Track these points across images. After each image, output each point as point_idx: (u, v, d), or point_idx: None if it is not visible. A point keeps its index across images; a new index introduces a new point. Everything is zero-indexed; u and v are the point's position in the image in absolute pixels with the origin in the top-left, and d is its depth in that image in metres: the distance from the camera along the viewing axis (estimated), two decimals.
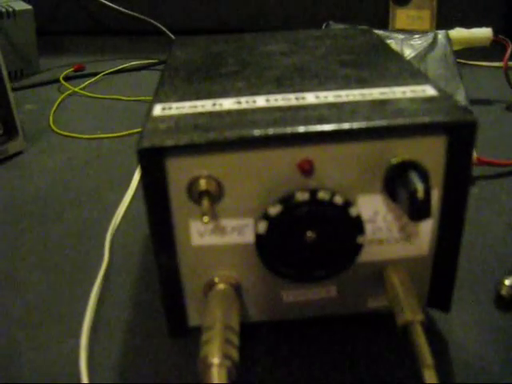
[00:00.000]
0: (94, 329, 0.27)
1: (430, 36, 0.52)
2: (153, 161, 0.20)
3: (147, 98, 0.59)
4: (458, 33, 0.53)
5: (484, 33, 0.53)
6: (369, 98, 0.23)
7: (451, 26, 0.54)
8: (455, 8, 0.78)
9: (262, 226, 0.22)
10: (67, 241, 0.35)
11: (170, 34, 0.76)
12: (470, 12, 0.78)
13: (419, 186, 0.20)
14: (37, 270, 0.32)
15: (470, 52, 0.58)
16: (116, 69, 0.69)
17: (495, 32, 0.53)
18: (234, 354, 0.20)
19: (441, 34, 0.52)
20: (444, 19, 0.74)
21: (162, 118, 0.22)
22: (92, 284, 0.30)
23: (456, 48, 0.52)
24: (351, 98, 0.23)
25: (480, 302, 0.28)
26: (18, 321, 0.28)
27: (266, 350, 0.26)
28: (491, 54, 0.61)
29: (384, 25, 0.77)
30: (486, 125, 0.50)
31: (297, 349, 0.26)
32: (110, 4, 0.81)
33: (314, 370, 0.25)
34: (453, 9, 0.77)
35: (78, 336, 0.26)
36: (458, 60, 0.51)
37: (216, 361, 0.19)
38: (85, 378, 0.24)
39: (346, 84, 0.25)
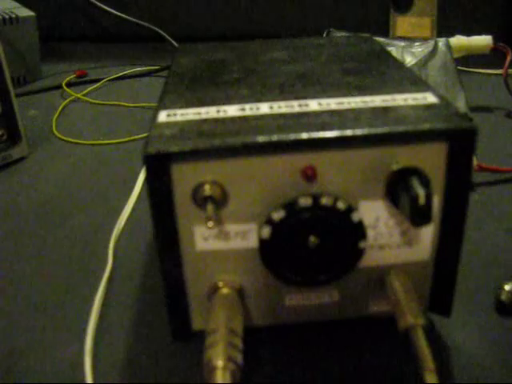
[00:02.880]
0: (98, 333, 0.27)
1: (431, 43, 0.52)
2: (158, 166, 0.21)
3: (150, 104, 0.59)
4: (458, 40, 0.53)
5: (484, 40, 0.54)
6: (371, 105, 0.23)
7: (452, 34, 0.54)
8: (456, 16, 0.78)
9: (266, 231, 0.22)
10: (71, 246, 0.35)
11: (172, 41, 0.76)
12: (470, 20, 0.79)
13: (420, 192, 0.20)
14: (41, 274, 0.32)
15: (471, 59, 0.59)
16: (118, 75, 0.70)
17: (495, 40, 0.54)
18: (238, 357, 0.20)
19: (441, 41, 0.52)
20: (444, 27, 0.75)
21: (167, 125, 0.22)
22: (96, 288, 0.30)
23: (456, 55, 0.52)
24: (353, 105, 0.23)
25: (480, 306, 0.28)
26: (21, 325, 0.28)
27: (269, 353, 0.26)
28: (491, 62, 0.61)
29: (385, 32, 0.77)
30: (486, 132, 0.50)
31: (300, 352, 0.26)
32: (113, 11, 0.81)
33: (316, 373, 0.25)
34: (453, 16, 0.78)
35: (82, 340, 0.27)
36: (459, 67, 0.51)
37: (220, 364, 0.20)
38: (89, 382, 0.24)
39: (348, 91, 0.25)
